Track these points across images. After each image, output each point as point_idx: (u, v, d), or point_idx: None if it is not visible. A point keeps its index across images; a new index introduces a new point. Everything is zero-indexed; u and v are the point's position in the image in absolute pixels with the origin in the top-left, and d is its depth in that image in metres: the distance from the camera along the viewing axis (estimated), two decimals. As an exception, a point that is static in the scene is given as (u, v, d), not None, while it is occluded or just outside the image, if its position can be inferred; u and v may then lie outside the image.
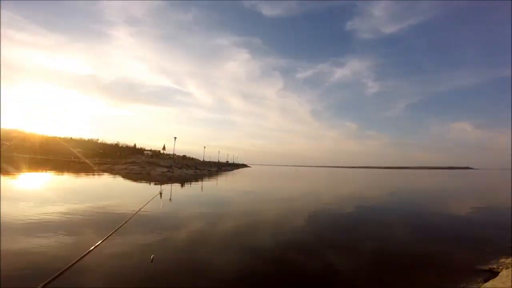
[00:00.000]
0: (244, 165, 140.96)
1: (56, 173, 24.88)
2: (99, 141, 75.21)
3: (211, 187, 21.21)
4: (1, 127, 55.16)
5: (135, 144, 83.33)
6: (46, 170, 25.91)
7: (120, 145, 77.91)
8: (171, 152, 57.26)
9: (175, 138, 52.52)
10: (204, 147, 73.41)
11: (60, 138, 64.21)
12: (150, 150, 69.87)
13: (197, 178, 31.10)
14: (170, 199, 12.95)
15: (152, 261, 4.25)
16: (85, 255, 2.24)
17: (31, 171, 24.07)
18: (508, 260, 4.89)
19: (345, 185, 28.22)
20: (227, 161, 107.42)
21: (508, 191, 21.71)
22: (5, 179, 17.60)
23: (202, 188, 19.45)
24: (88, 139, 73.78)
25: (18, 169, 24.05)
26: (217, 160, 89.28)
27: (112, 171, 33.35)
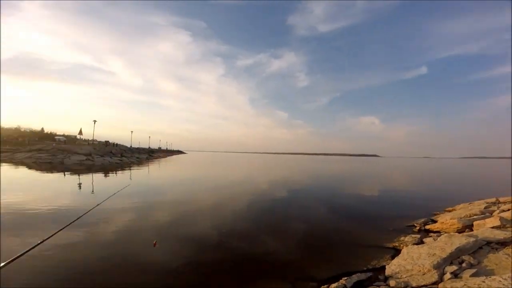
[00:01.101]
0: (179, 151, 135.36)
1: None
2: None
3: (141, 176, 20.40)
4: None
5: (42, 128, 70.52)
6: None
7: (22, 130, 64.59)
8: (90, 138, 51.10)
9: (95, 121, 47.14)
10: (132, 131, 67.94)
11: None
12: (63, 135, 60.35)
13: (123, 166, 29.02)
14: (92, 191, 12.25)
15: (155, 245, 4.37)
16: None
17: None
18: (406, 238, 5.75)
19: (278, 171, 30.45)
20: (160, 147, 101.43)
21: (407, 176, 26.99)
22: None
23: (131, 177, 18.57)
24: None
25: None
26: (147, 146, 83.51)
27: (13, 161, 28.09)
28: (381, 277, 3.93)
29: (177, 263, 4.43)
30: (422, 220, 7.39)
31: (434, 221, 7.20)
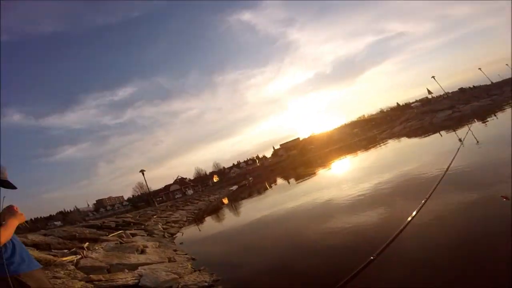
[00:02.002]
0: None
1: (351, 154, 29.38)
2: (365, 116, 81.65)
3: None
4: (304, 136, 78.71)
5: (397, 103, 79.91)
6: (344, 155, 31.80)
7: (384, 111, 78.50)
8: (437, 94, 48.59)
9: (433, 77, 44.94)
10: (479, 68, 51.24)
11: (336, 128, 78.34)
12: (416, 101, 63.30)
13: (497, 106, 23.26)
14: (477, 141, 10.48)
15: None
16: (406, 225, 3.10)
17: (336, 159, 30.37)
18: None
19: None
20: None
21: None
22: (322, 171, 21.44)
23: None
24: (357, 119, 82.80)
25: (327, 162, 31.37)
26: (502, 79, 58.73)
27: (393, 135, 34.48)
28: None
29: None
30: None
31: None
